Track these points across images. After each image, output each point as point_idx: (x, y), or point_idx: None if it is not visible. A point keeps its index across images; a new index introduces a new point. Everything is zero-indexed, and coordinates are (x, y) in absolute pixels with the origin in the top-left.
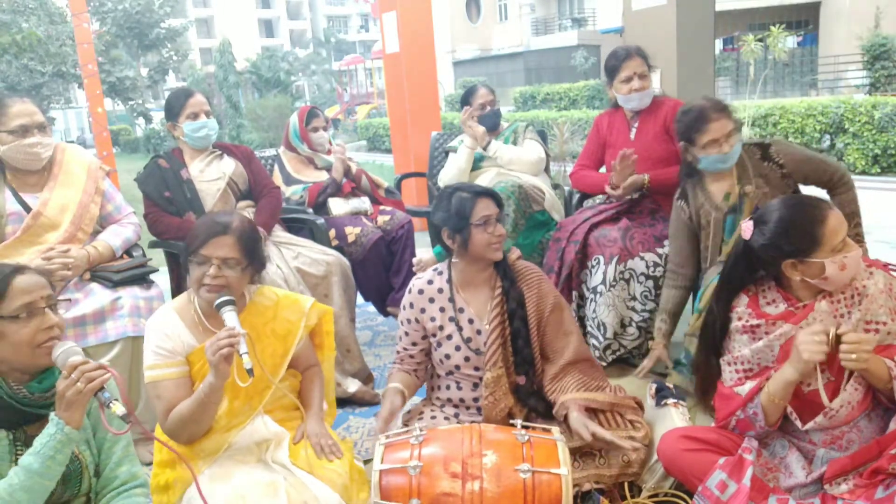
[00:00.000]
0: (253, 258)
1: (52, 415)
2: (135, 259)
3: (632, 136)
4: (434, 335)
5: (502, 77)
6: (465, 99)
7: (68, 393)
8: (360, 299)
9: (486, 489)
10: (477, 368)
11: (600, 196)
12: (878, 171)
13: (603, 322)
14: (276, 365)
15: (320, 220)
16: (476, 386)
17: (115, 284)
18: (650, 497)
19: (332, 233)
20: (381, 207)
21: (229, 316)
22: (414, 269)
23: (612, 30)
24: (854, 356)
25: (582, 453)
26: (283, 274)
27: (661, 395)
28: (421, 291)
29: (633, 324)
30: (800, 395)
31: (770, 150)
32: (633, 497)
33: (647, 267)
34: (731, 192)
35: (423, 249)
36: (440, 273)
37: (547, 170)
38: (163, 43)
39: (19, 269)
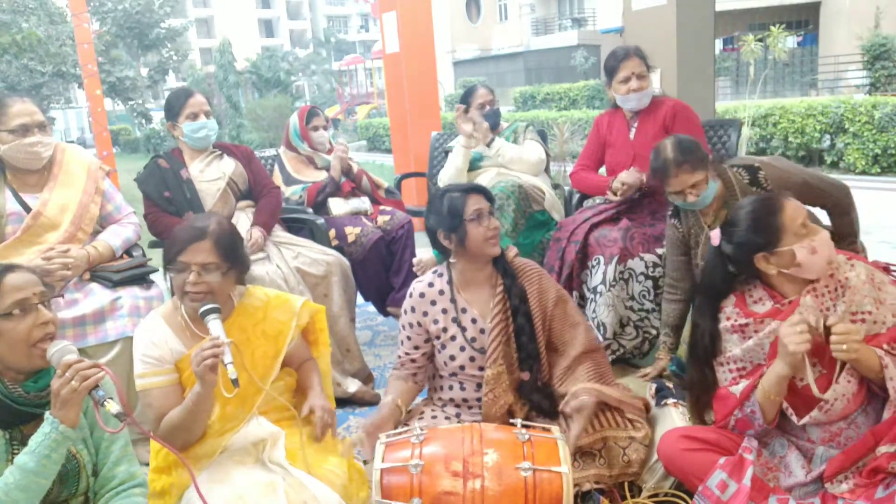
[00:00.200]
0: (234, 261)
1: (47, 413)
2: (135, 259)
3: (631, 136)
4: (438, 337)
5: (502, 77)
6: (465, 99)
7: (63, 391)
8: (360, 299)
9: (487, 487)
10: (482, 368)
11: (600, 196)
12: (878, 171)
13: (603, 322)
14: (267, 367)
15: (320, 220)
16: (479, 386)
17: (115, 284)
18: (650, 497)
19: (332, 233)
20: (381, 207)
21: (214, 324)
22: (414, 269)
23: (612, 30)
24: (844, 346)
25: (582, 453)
26: (282, 274)
27: (661, 395)
28: (422, 295)
29: (632, 323)
30: (795, 390)
31: (759, 175)
32: (633, 497)
33: (647, 267)
34: (717, 217)
35: (423, 249)
36: (440, 275)
37: (547, 170)
38: (163, 43)
39: (10, 268)
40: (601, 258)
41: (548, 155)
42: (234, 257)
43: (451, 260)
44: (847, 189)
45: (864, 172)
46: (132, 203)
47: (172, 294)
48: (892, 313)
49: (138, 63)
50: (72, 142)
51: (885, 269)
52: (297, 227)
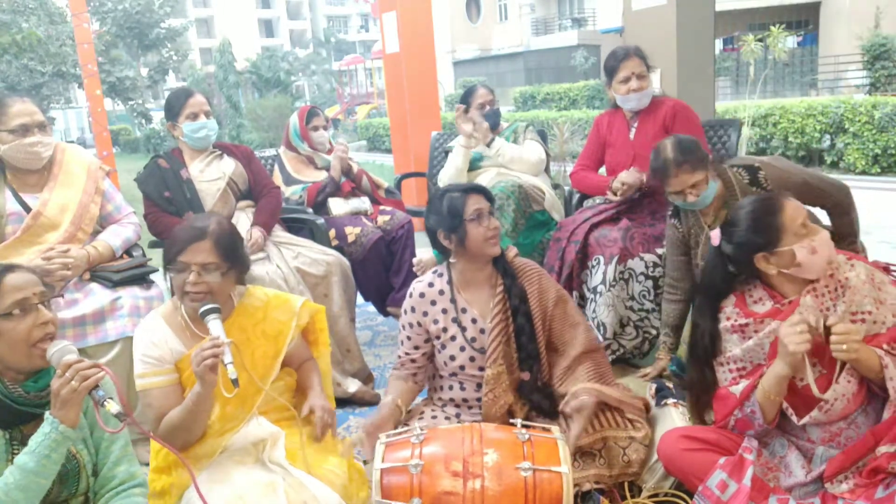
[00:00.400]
0: (234, 261)
1: (47, 413)
2: (135, 259)
3: (631, 135)
4: (437, 337)
5: (502, 77)
6: (465, 99)
7: (63, 391)
8: (360, 299)
9: (487, 487)
10: (482, 368)
11: (600, 196)
12: (878, 171)
13: (603, 322)
14: (267, 367)
15: (320, 220)
16: (480, 386)
17: (115, 284)
18: (650, 497)
19: (332, 233)
20: (381, 207)
21: (214, 324)
22: (414, 269)
23: (612, 30)
24: (845, 346)
25: (582, 453)
26: (282, 274)
27: (661, 395)
28: (422, 295)
29: (631, 323)
30: (794, 390)
31: (759, 175)
32: (633, 497)
33: (647, 267)
34: (717, 217)
35: (424, 249)
36: (440, 275)
37: (547, 170)
38: (163, 43)
39: (10, 268)
40: (601, 258)
41: (548, 155)
42: (234, 257)
43: (451, 260)
44: (847, 189)
45: (864, 172)
46: (132, 203)
47: (172, 294)
48: (893, 313)
49: (138, 63)
50: (72, 142)
51: (885, 269)
52: (297, 227)
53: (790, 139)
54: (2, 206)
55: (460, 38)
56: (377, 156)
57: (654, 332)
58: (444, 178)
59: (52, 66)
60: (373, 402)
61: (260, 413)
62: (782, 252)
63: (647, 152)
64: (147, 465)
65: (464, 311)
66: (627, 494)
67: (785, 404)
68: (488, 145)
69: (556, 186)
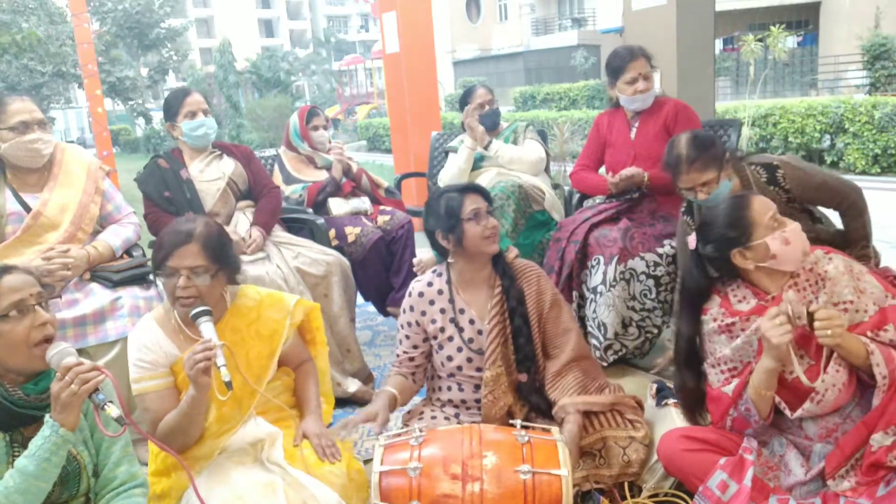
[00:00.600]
0: (223, 262)
1: (47, 417)
2: (135, 259)
3: (632, 135)
4: (435, 337)
5: (502, 77)
6: (464, 99)
7: (63, 395)
8: (360, 299)
9: (486, 490)
10: (479, 369)
11: (600, 196)
12: (878, 171)
13: (603, 322)
14: (263, 367)
15: (320, 220)
16: (478, 387)
17: (115, 284)
18: (650, 497)
19: (332, 233)
20: (382, 207)
21: (206, 327)
22: (414, 269)
23: (612, 30)
24: (829, 332)
25: (582, 453)
26: (282, 274)
27: (661, 395)
28: (421, 294)
29: (634, 323)
30: (785, 384)
31: (777, 174)
32: (633, 497)
33: (648, 266)
34: None
35: (423, 249)
36: (439, 275)
37: (547, 170)
38: (163, 43)
39: (6, 269)
40: (601, 258)
41: (548, 154)
42: (223, 259)
43: (450, 260)
44: (861, 190)
45: (864, 172)
46: (132, 203)
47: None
48: (874, 301)
49: (138, 63)
50: (72, 142)
51: (894, 280)
52: (297, 227)
53: (790, 139)
54: (2, 206)
55: (460, 38)
56: (377, 156)
57: (655, 330)
58: (446, 178)
59: (52, 66)
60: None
61: (258, 413)
62: (756, 245)
63: (648, 152)
64: (146, 465)
65: (462, 311)
66: (627, 494)
67: (777, 399)
68: (486, 148)
69: (556, 186)
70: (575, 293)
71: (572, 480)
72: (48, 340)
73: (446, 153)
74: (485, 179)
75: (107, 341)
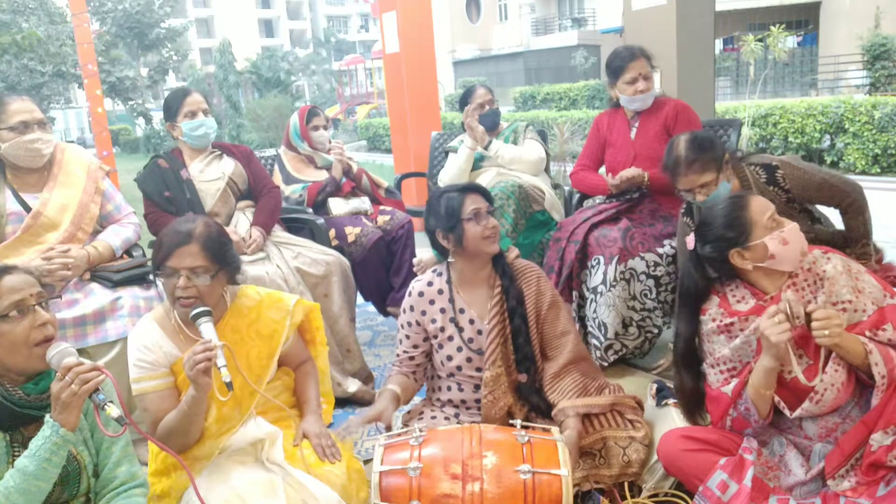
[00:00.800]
0: (223, 262)
1: (47, 417)
2: (135, 259)
3: (632, 135)
4: (435, 336)
5: (502, 77)
6: (464, 99)
7: (63, 395)
8: (360, 299)
9: (486, 490)
10: (479, 369)
11: (600, 196)
12: (878, 171)
13: (604, 322)
14: (262, 367)
15: (320, 220)
16: (477, 387)
17: (115, 284)
18: (650, 497)
19: (332, 233)
20: (382, 207)
21: (206, 328)
22: (414, 269)
23: (612, 30)
24: (827, 332)
25: (582, 453)
26: (282, 274)
27: (661, 395)
28: (421, 294)
29: (634, 323)
30: (784, 383)
31: (777, 174)
32: (633, 497)
33: (648, 266)
34: None
35: (423, 249)
36: (440, 274)
37: (547, 170)
38: (163, 43)
39: (6, 269)
40: (601, 258)
41: (548, 154)
42: (222, 259)
43: (450, 260)
44: (861, 188)
45: (864, 172)
46: (132, 203)
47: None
48: (872, 301)
49: (138, 63)
50: (72, 142)
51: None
52: (297, 227)
53: (790, 139)
54: (2, 206)
55: (460, 38)
56: (377, 156)
57: (655, 330)
58: (446, 178)
59: (52, 66)
60: (373, 402)
61: (258, 413)
62: (755, 246)
63: (648, 152)
64: (146, 465)
65: (461, 311)
66: (627, 494)
67: (777, 398)
68: (486, 148)
69: (556, 186)
70: (575, 293)
71: (572, 480)
72: (48, 340)
73: (446, 153)
74: (485, 179)
75: (107, 341)
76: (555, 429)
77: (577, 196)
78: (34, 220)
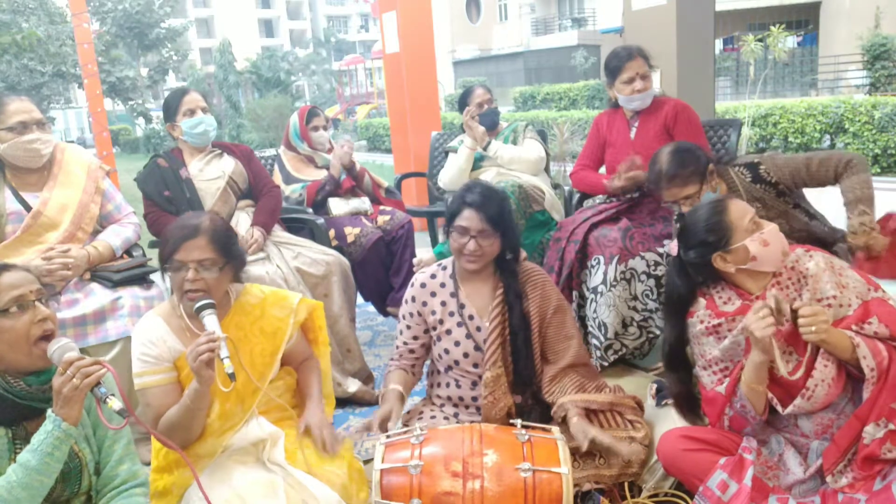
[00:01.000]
0: (230, 256)
1: (49, 411)
2: (135, 259)
3: (632, 135)
4: (434, 329)
5: (502, 77)
6: (463, 100)
7: (65, 389)
8: (360, 299)
9: (486, 488)
10: (476, 365)
11: (600, 196)
12: (878, 171)
13: (604, 322)
14: (266, 364)
15: (320, 220)
16: (475, 384)
17: (116, 284)
18: (650, 497)
19: (332, 233)
20: (381, 207)
21: (209, 320)
22: (414, 269)
23: (612, 30)
24: (813, 328)
25: (582, 453)
26: (282, 274)
27: (661, 395)
28: (423, 285)
29: (635, 323)
30: (776, 380)
31: (760, 171)
32: (633, 497)
33: (648, 266)
34: None
35: (423, 249)
36: (444, 268)
37: (547, 169)
38: (163, 43)
39: (6, 267)
40: (601, 258)
41: (547, 154)
42: (230, 252)
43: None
44: (856, 154)
45: None
46: (132, 203)
47: (172, 293)
48: (856, 295)
49: (138, 63)
50: (72, 142)
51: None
52: (297, 227)
53: (790, 139)
54: (2, 206)
55: (460, 38)
56: (377, 156)
57: (657, 331)
58: (445, 178)
59: (52, 66)
60: (373, 402)
61: (260, 413)
62: (736, 249)
63: (648, 152)
64: (149, 464)
65: (462, 306)
66: (627, 494)
67: (770, 395)
68: (485, 149)
69: (556, 186)
70: (575, 293)
71: (572, 480)
72: (48, 336)
73: (446, 153)
74: (485, 179)
75: (107, 341)
76: (555, 428)
77: (577, 196)
78: (34, 220)
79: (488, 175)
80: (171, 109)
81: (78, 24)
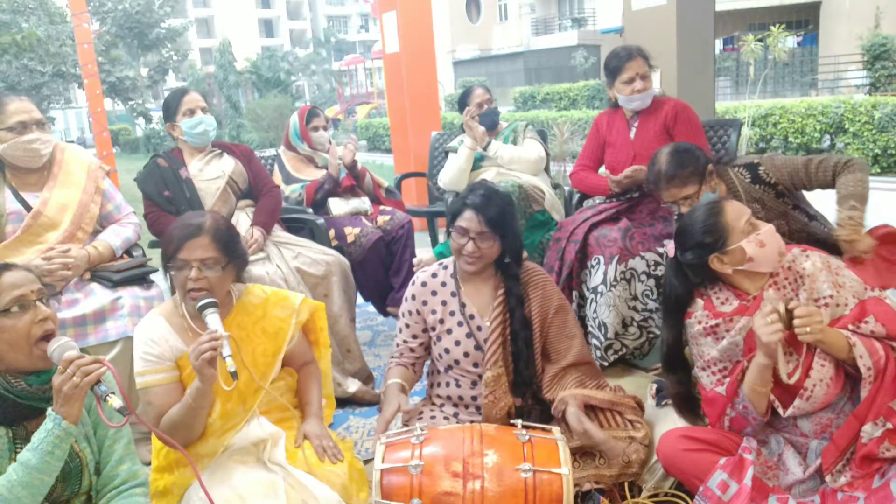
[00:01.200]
0: (233, 255)
1: (49, 410)
2: (135, 259)
3: (632, 135)
4: (434, 328)
5: (502, 77)
6: (462, 101)
7: (65, 388)
8: (360, 299)
9: (487, 488)
10: (476, 365)
11: (600, 196)
12: (878, 171)
13: (604, 322)
14: (267, 364)
15: (320, 220)
16: (475, 384)
17: (116, 284)
18: (650, 497)
19: (332, 233)
20: (381, 207)
21: (211, 318)
22: (414, 269)
23: (612, 30)
24: (808, 329)
25: (582, 453)
26: (283, 274)
27: (661, 395)
28: (424, 284)
29: (635, 323)
30: (779, 381)
31: (759, 171)
32: (633, 497)
33: (648, 266)
34: None
35: (423, 249)
36: (445, 268)
37: (547, 169)
38: (163, 43)
39: (7, 266)
40: (601, 258)
41: (547, 154)
42: (232, 251)
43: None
44: (851, 156)
45: None
46: (132, 203)
47: (173, 293)
48: (853, 294)
49: (138, 63)
50: (72, 142)
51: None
52: (297, 227)
53: (790, 139)
54: (2, 206)
55: (460, 38)
56: (377, 156)
57: (657, 331)
58: (445, 178)
59: (52, 66)
60: (373, 401)
61: (261, 413)
62: (732, 250)
63: (648, 152)
64: (149, 464)
65: (463, 305)
66: (627, 494)
67: (772, 396)
68: (485, 149)
69: (556, 186)
70: (575, 293)
71: (573, 479)
72: (49, 336)
73: (446, 153)
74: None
75: (107, 341)
76: (556, 428)
77: (577, 196)
78: (34, 220)
79: (488, 175)
80: (170, 109)
81: (78, 24)
